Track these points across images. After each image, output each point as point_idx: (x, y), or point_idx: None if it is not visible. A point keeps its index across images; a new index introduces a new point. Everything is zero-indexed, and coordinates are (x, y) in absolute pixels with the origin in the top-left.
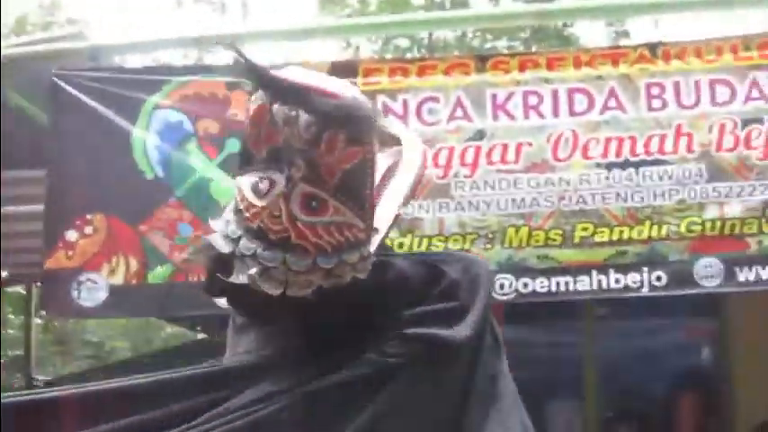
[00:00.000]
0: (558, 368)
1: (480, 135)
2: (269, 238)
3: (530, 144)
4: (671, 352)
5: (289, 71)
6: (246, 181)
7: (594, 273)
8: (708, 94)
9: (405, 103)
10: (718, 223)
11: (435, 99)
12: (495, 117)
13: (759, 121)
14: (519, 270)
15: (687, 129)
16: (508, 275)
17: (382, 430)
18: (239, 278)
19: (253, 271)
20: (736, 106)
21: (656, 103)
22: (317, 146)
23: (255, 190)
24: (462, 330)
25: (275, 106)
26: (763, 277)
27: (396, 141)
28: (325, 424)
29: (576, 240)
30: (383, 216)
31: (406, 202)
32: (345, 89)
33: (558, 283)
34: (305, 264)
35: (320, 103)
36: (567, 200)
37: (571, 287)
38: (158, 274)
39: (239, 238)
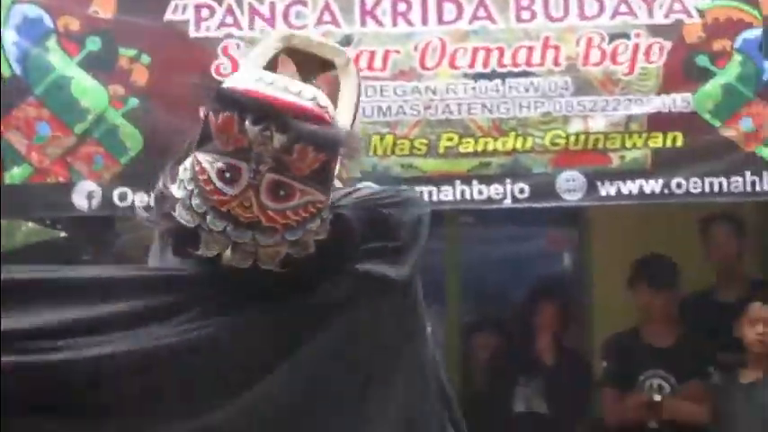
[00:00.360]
0: (420, 274)
1: (347, 41)
2: (239, 220)
3: (397, 52)
4: (533, 260)
5: (258, 80)
6: (209, 162)
7: (458, 183)
8: (576, 7)
9: (272, 6)
10: (582, 137)
11: (303, 2)
12: (363, 23)
13: (626, 36)
14: (383, 179)
15: (555, 41)
16: (372, 184)
17: (334, 355)
18: (209, 251)
19: (228, 252)
20: (604, 20)
21: (525, 15)
22: (288, 154)
23: (222, 178)
24: (404, 269)
25: (247, 123)
26: (624, 192)
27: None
28: (276, 347)
29: (441, 150)
30: None
31: (353, 121)
32: (310, 99)
33: (421, 193)
34: (273, 240)
35: (293, 124)
36: (432, 109)
37: (435, 197)
38: (15, 174)
39: (205, 213)
